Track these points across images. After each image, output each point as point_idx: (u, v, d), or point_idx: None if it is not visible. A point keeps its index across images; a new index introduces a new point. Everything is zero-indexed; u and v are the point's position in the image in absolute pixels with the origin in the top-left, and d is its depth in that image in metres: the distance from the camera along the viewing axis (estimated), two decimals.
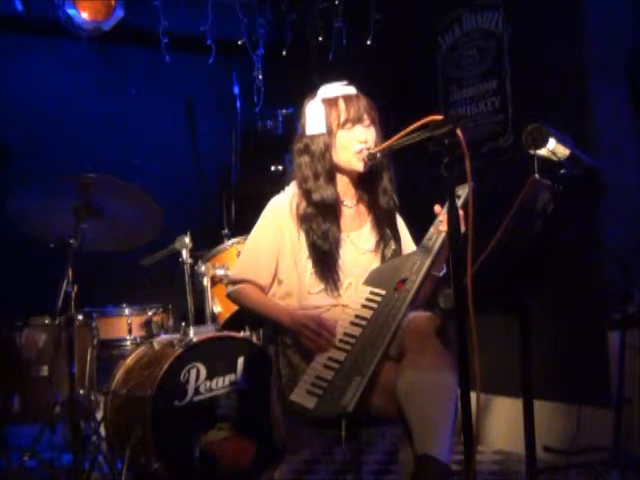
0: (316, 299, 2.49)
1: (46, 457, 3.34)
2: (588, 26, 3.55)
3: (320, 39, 4.71)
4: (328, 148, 2.52)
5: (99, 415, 3.41)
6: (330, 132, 2.52)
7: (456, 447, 2.20)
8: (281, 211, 2.56)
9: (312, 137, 2.54)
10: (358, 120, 2.52)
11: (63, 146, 4.60)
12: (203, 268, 3.57)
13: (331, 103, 2.54)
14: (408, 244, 2.68)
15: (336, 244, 2.51)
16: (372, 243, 2.60)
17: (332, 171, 2.54)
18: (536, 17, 3.78)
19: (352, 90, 2.58)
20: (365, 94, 2.60)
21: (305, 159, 2.55)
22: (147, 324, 3.81)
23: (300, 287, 2.51)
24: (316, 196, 2.51)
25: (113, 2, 4.25)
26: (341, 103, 2.53)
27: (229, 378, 3.25)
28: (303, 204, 2.53)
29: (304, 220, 2.52)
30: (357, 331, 2.32)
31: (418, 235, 2.58)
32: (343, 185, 2.60)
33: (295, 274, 2.52)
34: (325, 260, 2.49)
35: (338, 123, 2.52)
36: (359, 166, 2.52)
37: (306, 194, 2.53)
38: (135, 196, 3.27)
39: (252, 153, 4.86)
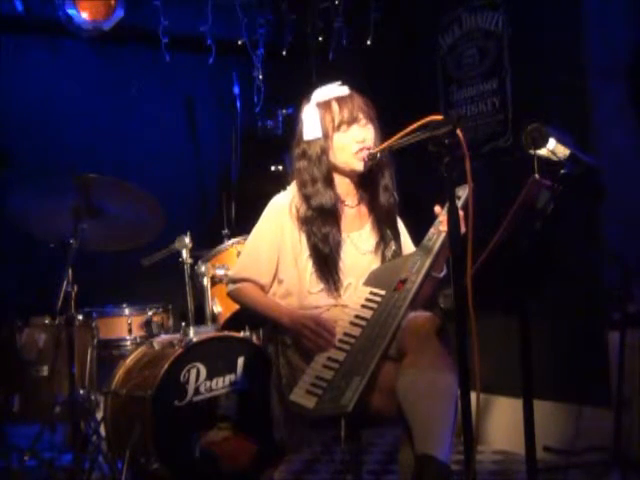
0: (316, 298, 2.50)
1: (46, 457, 3.34)
2: (588, 26, 3.55)
3: (320, 39, 4.71)
4: (325, 152, 2.52)
5: (99, 415, 3.41)
6: (326, 136, 2.52)
7: (456, 447, 2.20)
8: (282, 210, 2.56)
9: (309, 142, 2.54)
10: (353, 120, 2.51)
11: (63, 146, 4.59)
12: (203, 268, 3.57)
13: (325, 106, 2.54)
14: (408, 247, 2.68)
15: (337, 247, 2.51)
16: (372, 244, 2.60)
17: (330, 175, 2.54)
18: (536, 17, 3.78)
19: (345, 90, 2.57)
20: (364, 94, 2.59)
21: (303, 164, 2.55)
22: (147, 324, 3.81)
23: (300, 286, 2.51)
24: (315, 201, 2.51)
25: (113, 2, 4.24)
26: (334, 105, 2.52)
27: (229, 378, 3.25)
28: (303, 207, 2.53)
29: (304, 222, 2.52)
30: (357, 331, 2.32)
31: (418, 235, 2.58)
32: (344, 186, 2.59)
33: (295, 273, 2.52)
34: (326, 262, 2.49)
35: (333, 126, 2.51)
36: (359, 166, 2.52)
37: (305, 199, 2.54)
38: (135, 196, 3.27)
39: (252, 153, 4.86)
